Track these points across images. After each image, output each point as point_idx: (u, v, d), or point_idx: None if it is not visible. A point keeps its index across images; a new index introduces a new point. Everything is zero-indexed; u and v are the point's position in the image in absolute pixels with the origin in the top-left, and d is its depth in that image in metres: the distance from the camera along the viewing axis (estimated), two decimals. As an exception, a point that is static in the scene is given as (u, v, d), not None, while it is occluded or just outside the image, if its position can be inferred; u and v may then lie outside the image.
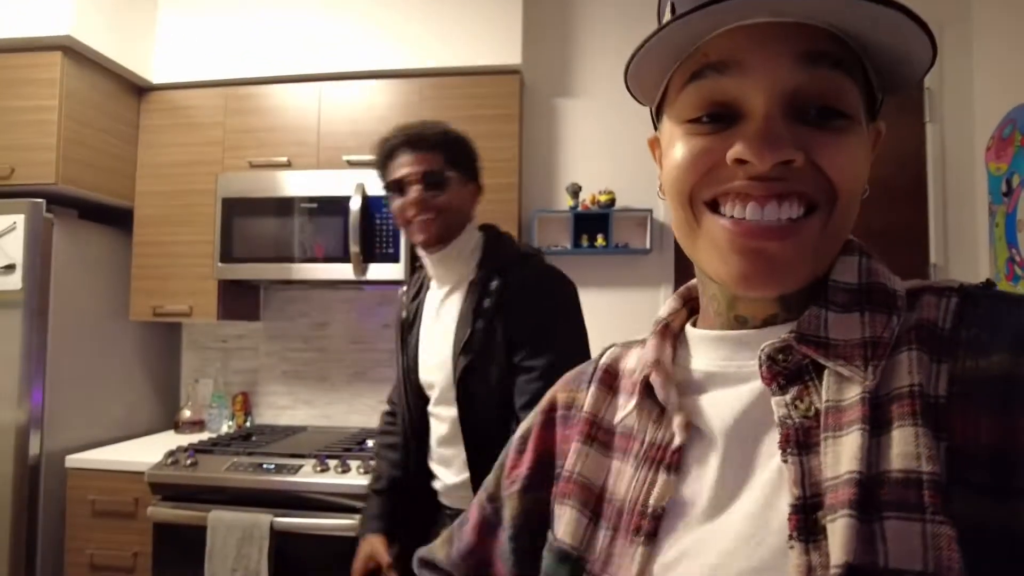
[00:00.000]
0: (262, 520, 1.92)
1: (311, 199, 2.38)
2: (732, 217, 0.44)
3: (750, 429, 0.45)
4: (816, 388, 0.43)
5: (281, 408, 2.80)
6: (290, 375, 2.80)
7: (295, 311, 2.80)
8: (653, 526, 0.47)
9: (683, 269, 2.44)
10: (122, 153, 2.51)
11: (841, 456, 0.39)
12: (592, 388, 0.58)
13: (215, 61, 2.56)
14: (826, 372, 0.43)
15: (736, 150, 0.42)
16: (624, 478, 0.50)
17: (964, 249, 2.41)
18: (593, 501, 0.52)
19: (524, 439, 0.63)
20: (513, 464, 0.62)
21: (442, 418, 1.40)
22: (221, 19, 2.57)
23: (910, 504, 0.36)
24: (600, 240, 2.46)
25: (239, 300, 2.64)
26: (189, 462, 2.07)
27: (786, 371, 0.44)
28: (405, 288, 1.57)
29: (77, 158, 2.29)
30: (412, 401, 1.46)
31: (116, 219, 2.57)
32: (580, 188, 2.50)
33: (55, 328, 2.20)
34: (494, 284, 1.34)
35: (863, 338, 0.43)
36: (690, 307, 0.58)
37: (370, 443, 2.19)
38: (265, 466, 2.05)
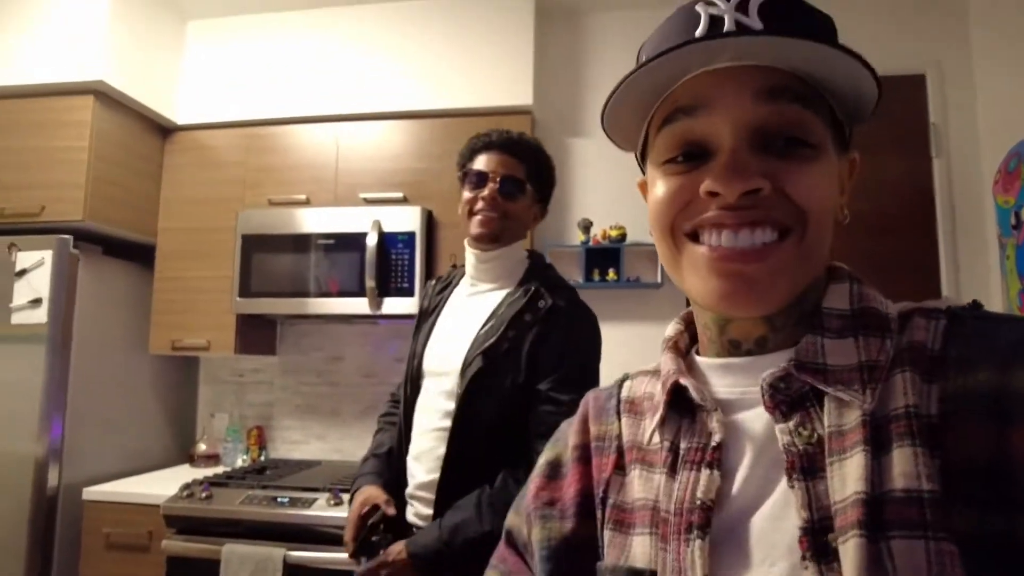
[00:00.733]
0: (275, 553, 1.92)
1: (328, 235, 2.43)
2: (710, 245, 0.47)
3: (764, 450, 0.47)
4: (818, 414, 0.44)
5: (295, 442, 2.81)
6: (304, 409, 2.82)
7: (310, 345, 2.84)
8: (705, 518, 0.46)
9: (694, 303, 2.45)
10: (146, 191, 2.59)
11: (847, 478, 0.41)
12: (624, 418, 0.59)
13: (237, 103, 2.66)
14: (826, 398, 0.44)
15: (706, 184, 0.46)
16: (668, 488, 0.50)
17: (976, 282, 2.42)
18: (653, 519, 0.51)
19: (555, 467, 0.62)
20: (542, 487, 0.61)
21: (434, 409, 1.35)
22: (243, 62, 2.68)
23: (914, 522, 0.38)
24: (611, 274, 2.49)
25: (256, 334, 2.68)
26: (204, 495, 2.08)
27: (788, 399, 0.46)
28: (434, 281, 1.58)
29: (104, 196, 2.37)
30: (409, 387, 1.43)
31: (139, 255, 2.64)
32: (591, 223, 2.54)
33: (77, 361, 2.24)
34: (542, 303, 1.33)
35: (860, 362, 0.44)
36: (691, 331, 0.59)
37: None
38: (279, 499, 2.06)
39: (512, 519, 0.64)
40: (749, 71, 0.46)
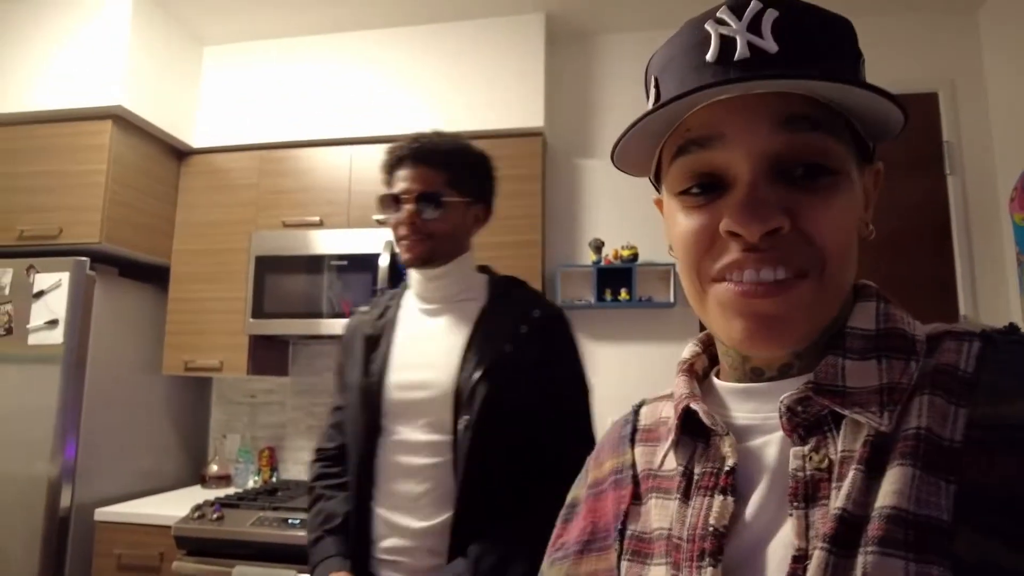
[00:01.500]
0: (286, 576, 1.91)
1: (341, 256, 2.45)
2: (732, 281, 0.45)
3: (779, 475, 0.46)
4: (834, 438, 0.43)
5: (306, 463, 2.79)
6: (316, 430, 2.81)
7: (322, 366, 2.84)
8: (717, 545, 0.45)
9: (707, 322, 2.44)
10: (162, 213, 2.63)
11: (838, 499, 0.40)
12: (638, 448, 0.59)
13: (252, 126, 2.70)
14: (844, 421, 0.43)
15: (725, 223, 0.44)
16: (680, 514, 0.50)
17: (994, 299, 2.39)
18: (668, 548, 0.50)
19: (571, 508, 0.62)
20: (560, 533, 0.61)
21: (412, 447, 1.19)
22: (258, 87, 2.73)
23: (895, 541, 0.37)
24: (624, 294, 2.49)
25: (269, 355, 2.69)
26: (215, 516, 2.08)
27: (806, 422, 0.44)
28: (367, 308, 1.38)
29: (120, 218, 2.40)
30: (364, 431, 1.23)
31: (154, 276, 2.67)
32: (603, 243, 2.54)
33: (91, 382, 2.26)
34: (536, 312, 1.25)
35: (880, 384, 0.43)
36: (709, 353, 0.58)
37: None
38: (290, 521, 2.05)
39: (542, 569, 0.63)
40: (764, 98, 0.44)
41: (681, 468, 0.51)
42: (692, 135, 0.46)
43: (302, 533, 1.99)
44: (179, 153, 2.73)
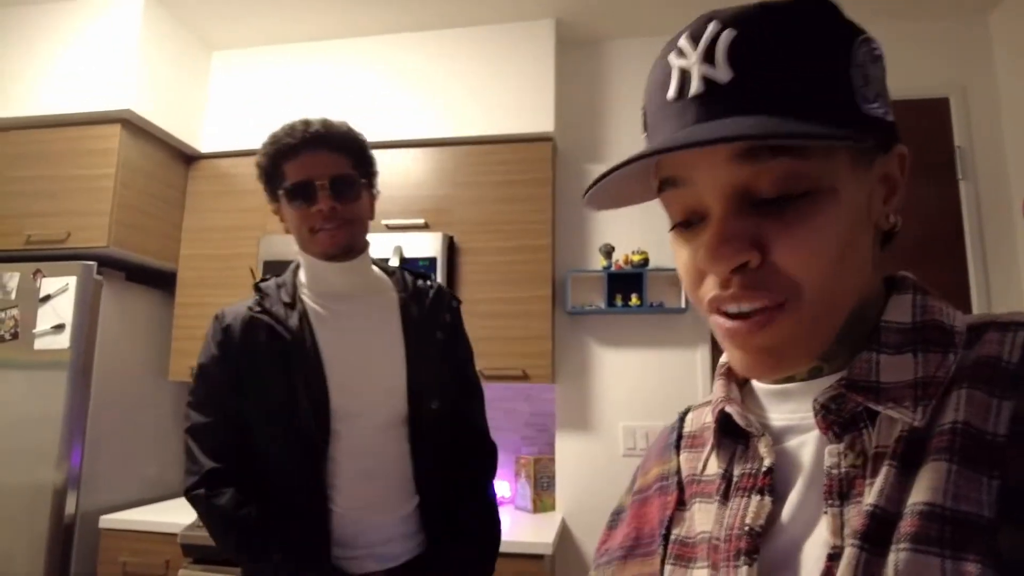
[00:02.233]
0: (294, 584, 1.87)
1: (348, 262, 2.43)
2: (723, 315, 0.45)
3: (816, 474, 0.45)
4: (869, 434, 0.43)
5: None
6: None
7: (329, 373, 2.82)
8: (752, 544, 0.45)
9: (719, 328, 2.42)
10: (169, 218, 2.62)
11: (870, 495, 0.40)
12: (684, 454, 0.59)
13: (260, 131, 2.67)
14: (879, 417, 0.43)
15: (698, 260, 0.44)
16: (720, 515, 0.50)
17: (1008, 304, 2.37)
18: (709, 550, 0.50)
19: (616, 515, 0.63)
20: (604, 539, 0.62)
21: (372, 445, 1.20)
22: (266, 92, 2.72)
23: (930, 538, 0.36)
24: (634, 299, 2.47)
25: (275, 361, 2.67)
26: (222, 524, 2.04)
27: (840, 419, 0.44)
28: (253, 308, 1.24)
29: (128, 223, 2.39)
30: (318, 434, 1.16)
31: (161, 281, 2.66)
32: (613, 248, 2.53)
33: (97, 388, 2.24)
34: (454, 302, 1.37)
35: (915, 379, 0.42)
36: None
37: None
38: (298, 528, 2.02)
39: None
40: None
41: (722, 471, 0.52)
42: (664, 175, 0.46)
43: (311, 541, 1.96)
44: (187, 157, 2.73)
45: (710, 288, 0.45)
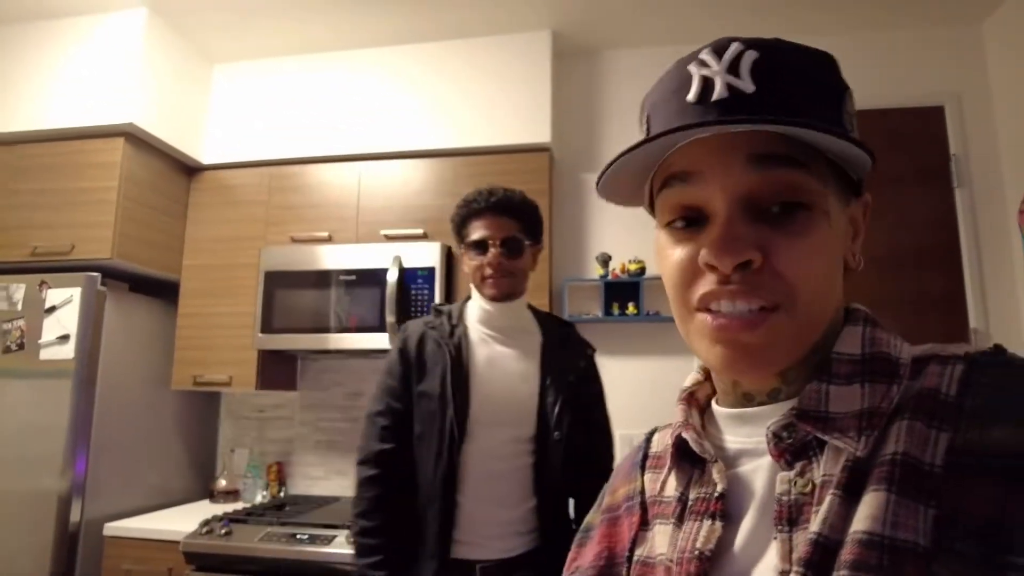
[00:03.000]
0: (294, 592, 1.90)
1: (349, 271, 2.46)
2: (712, 312, 0.47)
3: (768, 500, 0.46)
4: (818, 462, 0.44)
5: (315, 478, 2.80)
6: (323, 445, 2.81)
7: (330, 381, 2.85)
8: (701, 568, 0.46)
9: (715, 336, 2.43)
10: (172, 229, 2.65)
11: (814, 523, 0.41)
12: (648, 474, 0.61)
13: (261, 143, 2.73)
14: (827, 446, 0.44)
15: (703, 255, 0.46)
16: (674, 538, 0.51)
17: (1005, 312, 2.37)
18: (665, 573, 0.52)
19: (585, 532, 0.64)
20: (574, 556, 0.63)
21: (500, 452, 1.47)
22: (267, 104, 2.76)
23: (868, 566, 0.37)
24: (631, 308, 2.49)
25: (277, 370, 2.70)
26: (223, 532, 2.08)
27: (792, 447, 0.46)
28: (429, 318, 1.60)
29: (131, 234, 2.43)
30: (456, 436, 1.44)
31: (164, 291, 2.69)
32: (610, 257, 2.55)
33: (101, 397, 2.27)
34: (589, 350, 1.63)
35: (861, 409, 0.44)
36: (712, 380, 0.60)
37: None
38: (298, 536, 2.05)
39: None
40: (738, 137, 0.45)
41: (678, 494, 0.53)
42: (673, 171, 0.48)
43: (310, 548, 1.99)
44: (189, 170, 2.76)
45: (705, 285, 0.46)
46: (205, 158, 2.76)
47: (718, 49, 0.47)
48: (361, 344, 2.41)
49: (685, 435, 0.53)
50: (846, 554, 0.38)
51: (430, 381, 1.49)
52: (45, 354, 2.22)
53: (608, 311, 2.51)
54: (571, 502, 1.55)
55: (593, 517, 0.65)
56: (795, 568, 0.40)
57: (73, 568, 2.12)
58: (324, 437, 2.81)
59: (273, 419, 2.87)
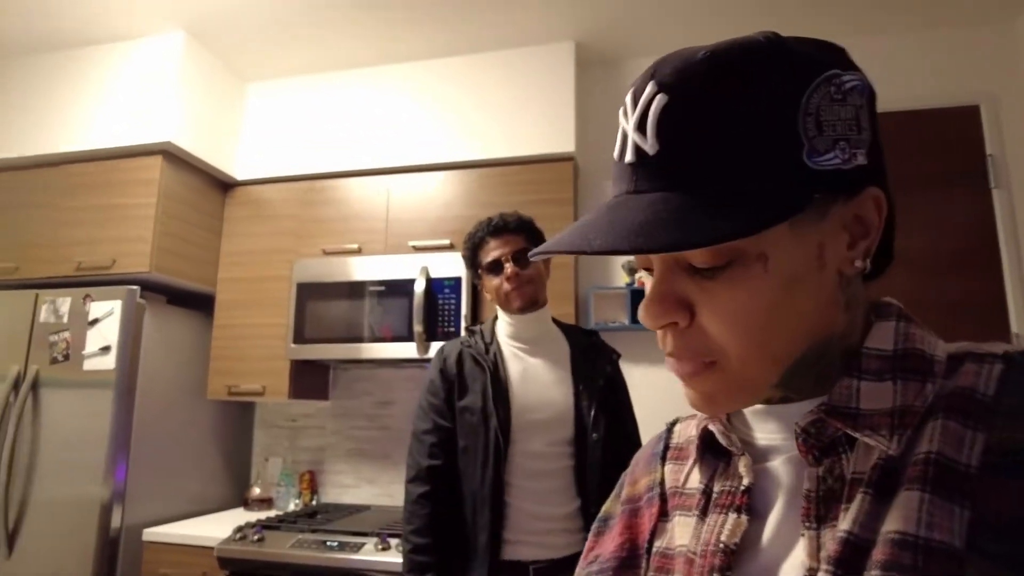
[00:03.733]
0: (324, 597, 1.93)
1: (379, 282, 2.51)
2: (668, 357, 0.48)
3: (796, 496, 0.46)
4: (848, 460, 0.43)
5: (346, 486, 2.84)
6: (354, 453, 2.85)
7: (361, 390, 2.89)
8: (726, 561, 0.46)
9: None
10: (207, 243, 2.74)
11: (844, 521, 0.40)
12: (668, 465, 0.60)
13: (293, 158, 2.80)
14: (857, 443, 0.43)
15: (639, 314, 0.46)
16: (697, 530, 0.51)
17: (1046, 317, 2.29)
18: (686, 564, 0.51)
19: (604, 522, 0.63)
20: (592, 546, 0.63)
21: (542, 455, 1.55)
22: (298, 120, 2.84)
23: (902, 566, 0.36)
24: (658, 315, 2.47)
25: (309, 380, 2.75)
26: (256, 538, 2.12)
27: (820, 443, 0.45)
28: (464, 338, 1.72)
29: (169, 249, 2.51)
30: (500, 442, 1.54)
31: (200, 304, 2.78)
32: (636, 265, 2.53)
33: (140, 406, 2.35)
34: (615, 356, 1.70)
35: (893, 407, 0.43)
36: None
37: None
38: (329, 543, 2.08)
39: None
40: None
41: (702, 486, 0.52)
42: None
43: (340, 555, 2.02)
44: (224, 185, 2.85)
45: (658, 336, 0.47)
46: (239, 174, 2.85)
47: (636, 93, 0.45)
48: (390, 353, 2.44)
49: (712, 427, 0.53)
50: (878, 554, 0.38)
51: (471, 396, 1.59)
52: (88, 365, 2.30)
53: (634, 319, 2.50)
54: None
55: (612, 506, 0.64)
56: (824, 566, 0.39)
57: (114, 572, 2.19)
58: (355, 446, 2.85)
59: (305, 428, 2.93)
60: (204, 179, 2.73)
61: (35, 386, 2.31)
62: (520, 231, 1.65)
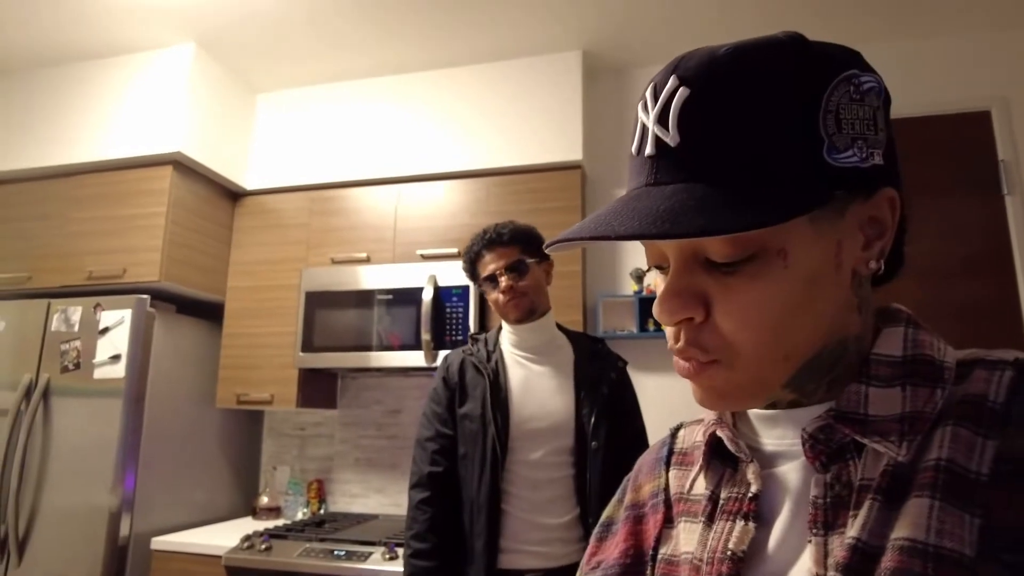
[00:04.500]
0: (331, 607, 1.92)
1: (387, 291, 2.51)
2: (676, 354, 0.47)
3: (803, 503, 0.45)
4: (856, 466, 0.43)
5: (354, 495, 2.83)
6: (363, 462, 2.85)
7: (369, 399, 2.89)
8: (733, 569, 0.45)
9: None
10: (216, 252, 2.75)
11: (853, 528, 0.40)
12: (672, 471, 0.59)
13: (302, 168, 2.82)
14: (865, 449, 0.43)
15: (653, 308, 0.46)
16: (703, 537, 0.50)
17: (1062, 325, 2.26)
18: (691, 572, 0.51)
19: (606, 527, 0.63)
20: (594, 551, 0.62)
21: (541, 464, 1.54)
22: (307, 130, 2.86)
23: (912, 573, 0.36)
24: (666, 323, 2.46)
25: (317, 388, 2.76)
26: (264, 547, 2.12)
27: (828, 449, 0.44)
28: (468, 347, 1.71)
29: (178, 258, 2.53)
30: (499, 451, 1.54)
31: (209, 312, 2.79)
32: (644, 273, 2.53)
33: (150, 415, 2.36)
34: (620, 363, 1.68)
35: (902, 413, 0.42)
36: None
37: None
38: (336, 553, 2.07)
39: None
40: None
41: (708, 492, 0.52)
42: None
43: (347, 565, 2.01)
44: (233, 195, 2.87)
45: (668, 334, 0.47)
46: (249, 183, 2.87)
47: (658, 87, 0.45)
48: (398, 362, 2.44)
49: (720, 433, 0.52)
50: (888, 561, 0.37)
51: (471, 404, 1.60)
52: (98, 373, 2.31)
53: (643, 327, 2.49)
54: None
55: (614, 511, 0.63)
56: (832, 573, 0.39)
57: (122, 581, 2.19)
58: (363, 455, 2.85)
59: (314, 437, 2.93)
60: (214, 189, 2.75)
61: (46, 394, 2.32)
62: (514, 242, 1.63)
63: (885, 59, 2.59)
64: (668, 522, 0.56)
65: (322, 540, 2.17)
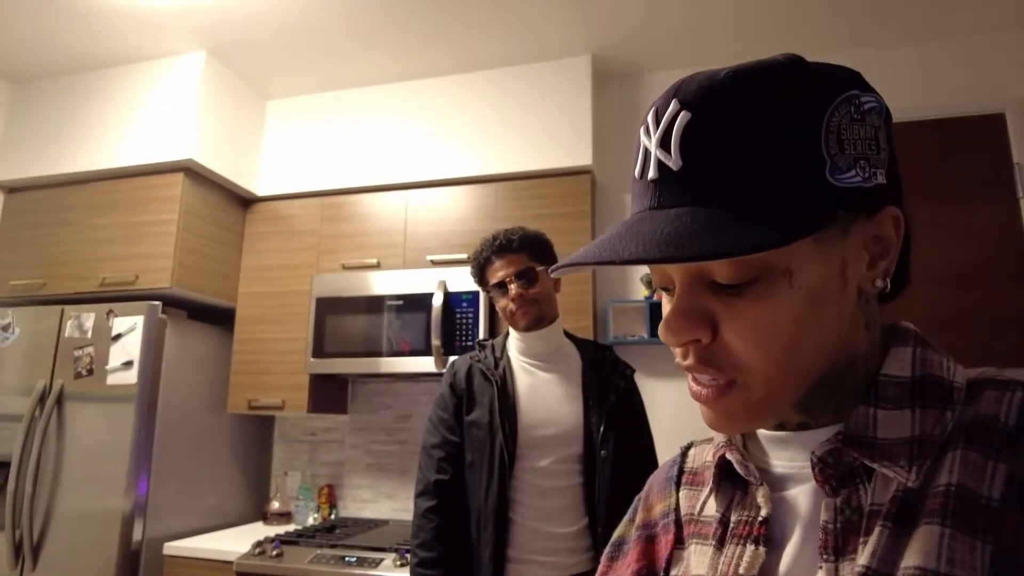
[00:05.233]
0: (341, 614, 1.92)
1: (397, 297, 2.51)
2: (688, 377, 0.47)
3: (813, 527, 0.45)
4: (866, 490, 0.43)
5: (365, 501, 2.84)
6: (373, 468, 2.85)
7: (380, 404, 2.90)
8: None
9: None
10: (228, 258, 2.77)
11: (863, 556, 0.39)
12: (683, 491, 0.59)
13: (312, 174, 2.83)
14: (875, 473, 0.43)
15: (659, 329, 0.46)
16: (715, 561, 0.50)
17: (1079, 330, 2.23)
18: None
19: (617, 547, 0.63)
20: (605, 571, 0.62)
21: (549, 472, 1.53)
22: (318, 137, 2.87)
23: None
24: (677, 329, 2.44)
25: (328, 394, 2.76)
26: (275, 553, 2.12)
27: (837, 473, 0.44)
28: (475, 354, 1.70)
29: (190, 264, 2.55)
30: (507, 458, 1.52)
31: (220, 318, 2.81)
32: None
33: (162, 420, 2.37)
34: (628, 371, 1.66)
35: (911, 436, 0.42)
36: None
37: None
38: (347, 559, 2.07)
39: None
40: None
41: (719, 515, 0.51)
42: None
43: (358, 571, 2.01)
44: (244, 201, 2.89)
45: (676, 351, 0.46)
46: (260, 190, 2.88)
47: (659, 111, 0.45)
48: (409, 368, 2.44)
49: (729, 456, 0.52)
50: None
51: (479, 411, 1.59)
52: (111, 379, 2.33)
53: (653, 332, 2.48)
54: None
55: (625, 530, 0.63)
56: None
57: (135, 586, 2.20)
58: (374, 460, 2.85)
59: (324, 442, 2.93)
60: (225, 195, 2.77)
61: (60, 400, 2.34)
62: (523, 249, 1.63)
63: (899, 62, 2.57)
64: (679, 543, 0.55)
65: (333, 546, 2.17)
